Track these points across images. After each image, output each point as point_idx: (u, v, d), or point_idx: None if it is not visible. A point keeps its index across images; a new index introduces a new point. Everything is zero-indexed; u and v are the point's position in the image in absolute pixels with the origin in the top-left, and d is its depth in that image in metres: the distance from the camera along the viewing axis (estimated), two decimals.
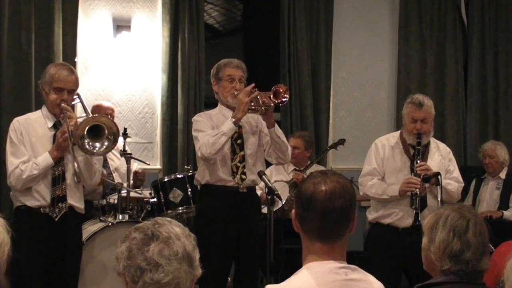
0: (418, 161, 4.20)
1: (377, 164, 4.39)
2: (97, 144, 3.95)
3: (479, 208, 6.13)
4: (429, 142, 4.41)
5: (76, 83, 4.06)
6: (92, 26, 6.19)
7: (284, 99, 4.19)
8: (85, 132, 3.88)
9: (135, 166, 5.61)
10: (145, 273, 1.74)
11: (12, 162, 3.95)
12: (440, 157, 4.41)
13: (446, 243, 2.27)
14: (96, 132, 3.94)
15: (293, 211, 2.12)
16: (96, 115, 4.15)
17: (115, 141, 4.01)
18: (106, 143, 3.97)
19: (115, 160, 5.48)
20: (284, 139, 4.35)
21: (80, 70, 6.08)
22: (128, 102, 6.29)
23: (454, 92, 7.16)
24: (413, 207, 4.11)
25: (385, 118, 7.20)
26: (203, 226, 4.28)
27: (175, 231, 1.81)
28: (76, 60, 5.95)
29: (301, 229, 2.09)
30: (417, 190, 4.10)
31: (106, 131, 3.95)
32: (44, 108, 4.10)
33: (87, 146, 3.90)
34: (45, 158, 3.93)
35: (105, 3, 6.25)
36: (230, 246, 4.26)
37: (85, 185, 4.22)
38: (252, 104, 4.17)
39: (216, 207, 4.27)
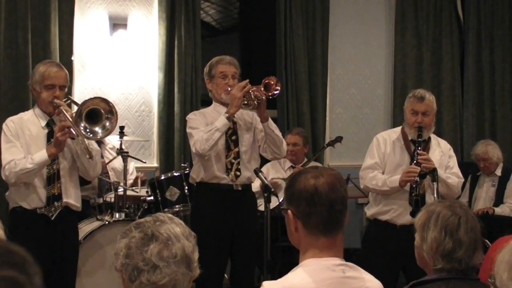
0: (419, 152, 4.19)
1: (379, 158, 4.37)
2: (97, 129, 3.91)
3: (475, 205, 6.10)
4: (429, 138, 4.41)
5: (66, 79, 4.03)
6: (88, 24, 6.18)
7: (275, 92, 4.18)
8: (83, 117, 3.85)
9: (132, 165, 5.59)
10: (142, 274, 1.73)
11: (6, 158, 3.91)
12: (441, 153, 4.40)
13: (438, 242, 2.28)
14: (93, 117, 3.90)
15: (289, 212, 2.10)
16: (90, 97, 4.10)
17: (114, 118, 3.94)
18: (107, 124, 3.92)
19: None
20: (279, 133, 4.33)
21: (76, 68, 6.08)
22: (125, 101, 6.28)
23: (450, 88, 7.18)
24: (413, 194, 4.09)
25: (381, 114, 7.20)
26: (198, 224, 4.27)
27: (175, 231, 1.79)
28: (72, 58, 5.94)
29: (303, 226, 2.08)
30: (417, 178, 4.09)
31: (102, 112, 3.91)
32: (36, 108, 4.06)
33: (84, 132, 3.86)
34: (41, 154, 3.86)
35: (101, 2, 6.23)
36: (225, 243, 4.25)
37: (87, 178, 4.19)
38: (244, 98, 4.16)
39: (210, 204, 4.27)
